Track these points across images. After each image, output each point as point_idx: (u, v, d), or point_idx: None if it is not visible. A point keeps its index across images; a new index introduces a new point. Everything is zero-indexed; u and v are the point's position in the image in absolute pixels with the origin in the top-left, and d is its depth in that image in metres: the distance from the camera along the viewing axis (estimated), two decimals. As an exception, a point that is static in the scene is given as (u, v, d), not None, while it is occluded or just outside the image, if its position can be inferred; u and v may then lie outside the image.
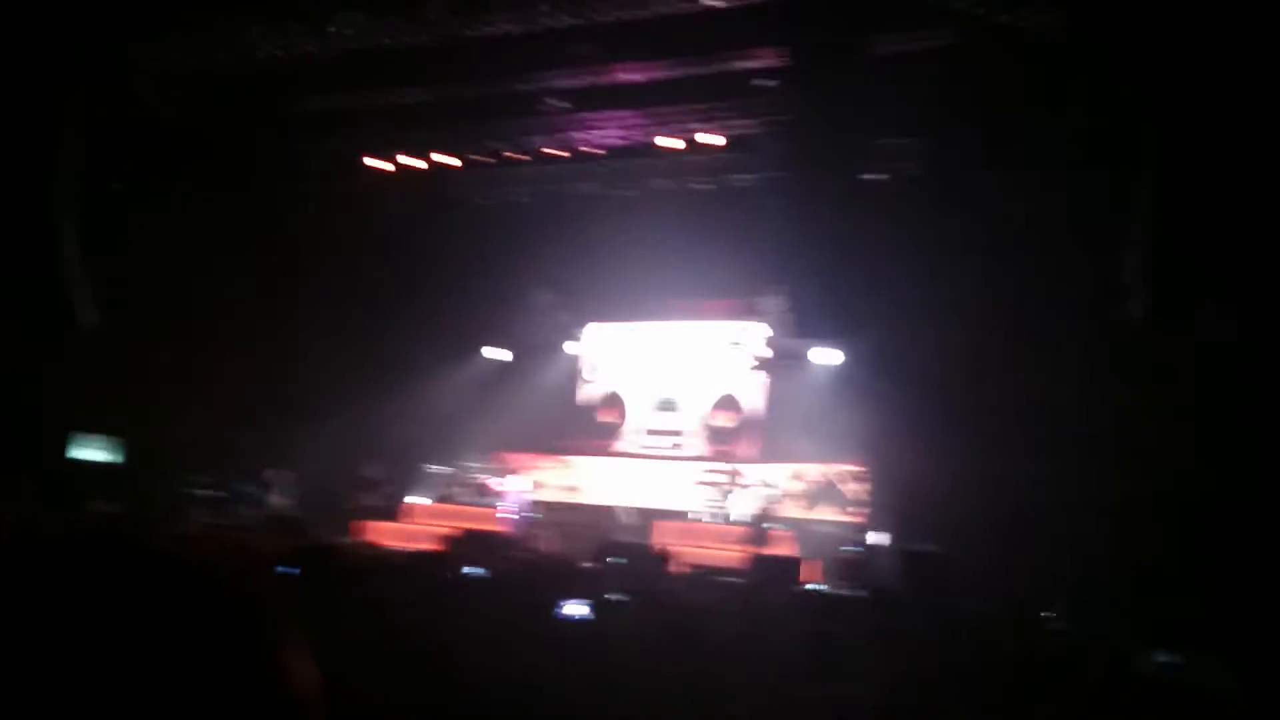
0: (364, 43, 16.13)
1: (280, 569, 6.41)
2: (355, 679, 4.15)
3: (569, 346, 22.51)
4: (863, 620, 7.11)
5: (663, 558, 11.87)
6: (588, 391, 22.67)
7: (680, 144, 18.62)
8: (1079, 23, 13.69)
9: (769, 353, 20.36)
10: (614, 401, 22.41)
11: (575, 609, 5.06)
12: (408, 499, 19.70)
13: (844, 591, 12.71)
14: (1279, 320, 12.31)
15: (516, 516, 18.22)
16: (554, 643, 4.67)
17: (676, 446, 21.55)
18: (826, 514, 19.04)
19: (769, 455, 20.24)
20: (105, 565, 1.06)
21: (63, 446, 19.08)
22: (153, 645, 1.00)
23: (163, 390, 18.13)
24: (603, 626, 5.10)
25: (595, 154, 19.47)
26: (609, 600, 5.87)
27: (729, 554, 16.17)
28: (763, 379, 20.81)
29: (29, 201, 16.04)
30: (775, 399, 20.62)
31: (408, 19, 15.74)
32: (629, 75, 17.20)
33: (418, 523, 18.88)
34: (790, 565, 14.85)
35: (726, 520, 18.42)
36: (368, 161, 20.39)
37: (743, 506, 18.29)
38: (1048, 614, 9.00)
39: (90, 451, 19.66)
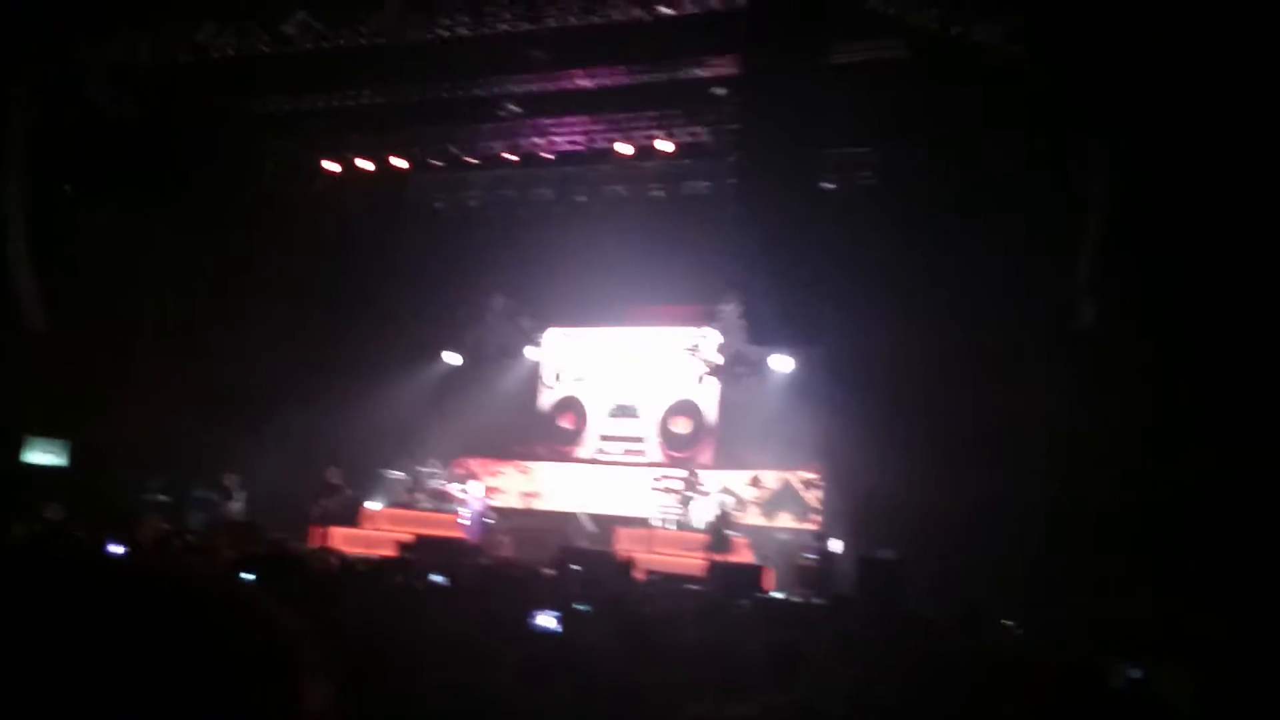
0: (319, 44, 16.03)
1: (240, 575, 6.40)
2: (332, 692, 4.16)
3: (528, 352, 22.49)
4: (822, 627, 7.21)
5: (625, 565, 11.93)
6: (546, 397, 22.66)
7: (634, 150, 18.68)
8: (1032, 35, 13.92)
9: (725, 359, 20.49)
10: (573, 407, 22.43)
11: (545, 621, 5.09)
12: (367, 504, 19.57)
13: (803, 599, 12.86)
14: (1232, 329, 12.59)
15: (476, 522, 18.17)
16: (521, 653, 4.70)
17: (635, 452, 21.61)
18: (784, 521, 19.19)
19: (726, 461, 20.37)
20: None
21: (11, 450, 18.76)
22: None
23: (114, 393, 17.90)
24: (569, 637, 5.13)
25: (550, 159, 19.48)
26: (574, 609, 5.90)
27: (690, 561, 16.25)
28: (719, 385, 20.93)
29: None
30: (731, 405, 20.75)
31: (362, 21, 15.68)
32: (583, 81, 17.26)
33: (378, 528, 18.76)
34: (751, 573, 14.96)
35: (687, 527, 18.48)
36: (322, 163, 20.25)
37: (702, 513, 18.37)
38: (1003, 619, 9.14)
39: (40, 456, 19.35)
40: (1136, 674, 5.24)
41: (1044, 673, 5.74)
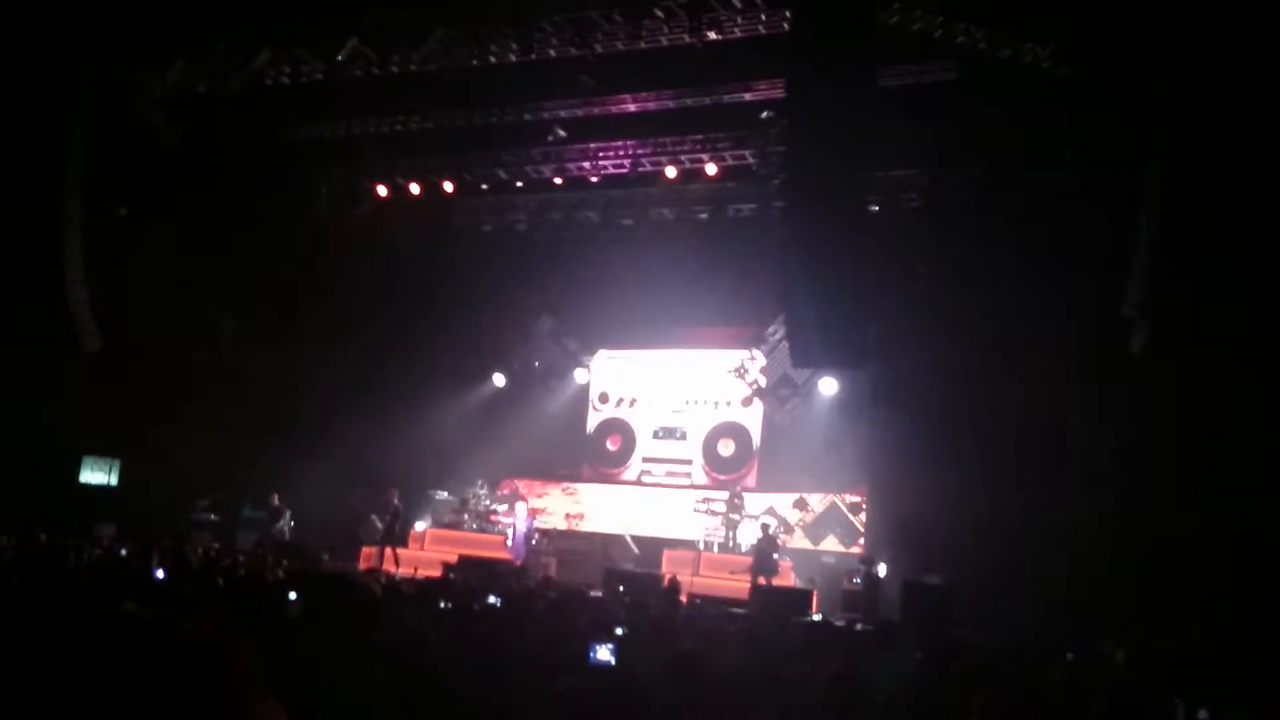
0: (369, 71, 16.28)
1: (290, 595, 6.46)
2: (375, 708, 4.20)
3: (575, 374, 22.58)
4: (870, 654, 7.15)
5: (670, 588, 11.89)
6: (592, 419, 22.72)
7: (680, 173, 18.74)
8: (1079, 58, 13.84)
9: (770, 381, 20.45)
10: (619, 429, 22.46)
11: (602, 654, 5.08)
12: (415, 525, 19.70)
13: (849, 623, 12.75)
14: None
15: (521, 544, 18.22)
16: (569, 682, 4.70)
17: (680, 474, 21.59)
18: (830, 544, 19.08)
19: (771, 484, 20.30)
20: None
21: (67, 471, 19.13)
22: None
23: (167, 415, 18.17)
24: (624, 670, 5.12)
25: (596, 182, 19.59)
26: (630, 640, 5.90)
27: (735, 584, 16.19)
28: (764, 407, 20.89)
29: (34, 225, 16.08)
30: (776, 428, 20.69)
31: (413, 48, 15.90)
32: (629, 105, 17.39)
33: (424, 549, 18.86)
34: (798, 597, 14.86)
35: (731, 549, 18.42)
36: (373, 188, 20.51)
37: (747, 536, 18.30)
38: (1054, 648, 9.01)
39: (93, 475, 19.71)
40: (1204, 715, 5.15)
41: (1099, 706, 5.66)
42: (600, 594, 11.99)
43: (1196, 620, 10.87)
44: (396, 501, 18.61)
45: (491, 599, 7.93)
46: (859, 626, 12.15)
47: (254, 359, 19.40)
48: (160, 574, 8.90)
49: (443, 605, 7.64)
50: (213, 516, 18.93)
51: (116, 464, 19.92)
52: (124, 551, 12.38)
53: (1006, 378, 15.02)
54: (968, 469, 15.14)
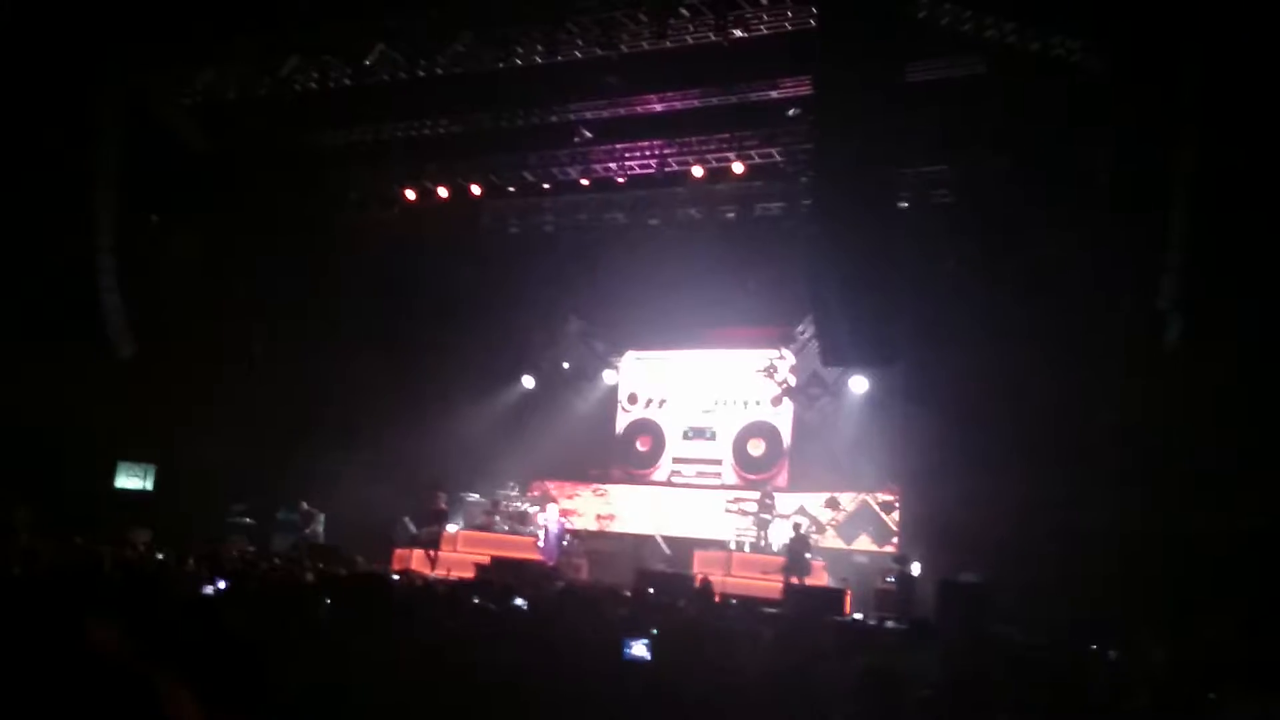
0: (396, 75, 16.33)
1: (324, 597, 6.48)
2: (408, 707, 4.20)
3: (606, 375, 22.57)
4: (905, 652, 7.09)
5: (702, 588, 11.85)
6: (622, 420, 22.72)
7: (706, 173, 18.69)
8: (1109, 50, 13.69)
9: (800, 380, 20.38)
10: (648, 429, 22.45)
11: (638, 650, 5.07)
12: (448, 528, 19.80)
13: (884, 623, 12.67)
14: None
15: (553, 545, 18.23)
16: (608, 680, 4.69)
17: (711, 475, 21.55)
18: (862, 543, 18.98)
19: (802, 483, 20.23)
20: None
21: (102, 477, 19.31)
22: None
23: (200, 420, 18.31)
24: (659, 665, 5.11)
25: (623, 183, 19.56)
26: (664, 637, 5.88)
27: (768, 584, 16.13)
28: (794, 407, 20.81)
29: (67, 232, 16.26)
30: (807, 427, 20.62)
31: (439, 52, 15.93)
32: (656, 105, 17.35)
33: (456, 550, 18.91)
34: (831, 596, 14.79)
35: (763, 549, 18.36)
36: (401, 191, 20.58)
37: (778, 535, 18.24)
38: (1094, 644, 8.91)
39: (128, 480, 19.89)
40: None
41: (1141, 704, 5.59)
42: (632, 594, 11.95)
43: (1235, 617, 10.72)
44: (443, 505, 18.77)
45: (518, 601, 7.91)
46: (893, 625, 12.07)
47: (285, 363, 19.51)
48: (221, 584, 8.86)
49: (476, 603, 7.64)
50: (248, 520, 19.05)
51: (152, 469, 20.08)
52: (160, 556, 12.46)
53: (1040, 373, 14.89)
54: (1002, 466, 15.00)
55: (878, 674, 4.71)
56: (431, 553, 18.27)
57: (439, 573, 16.86)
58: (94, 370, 16.95)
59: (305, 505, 18.91)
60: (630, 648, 5.08)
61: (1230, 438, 12.94)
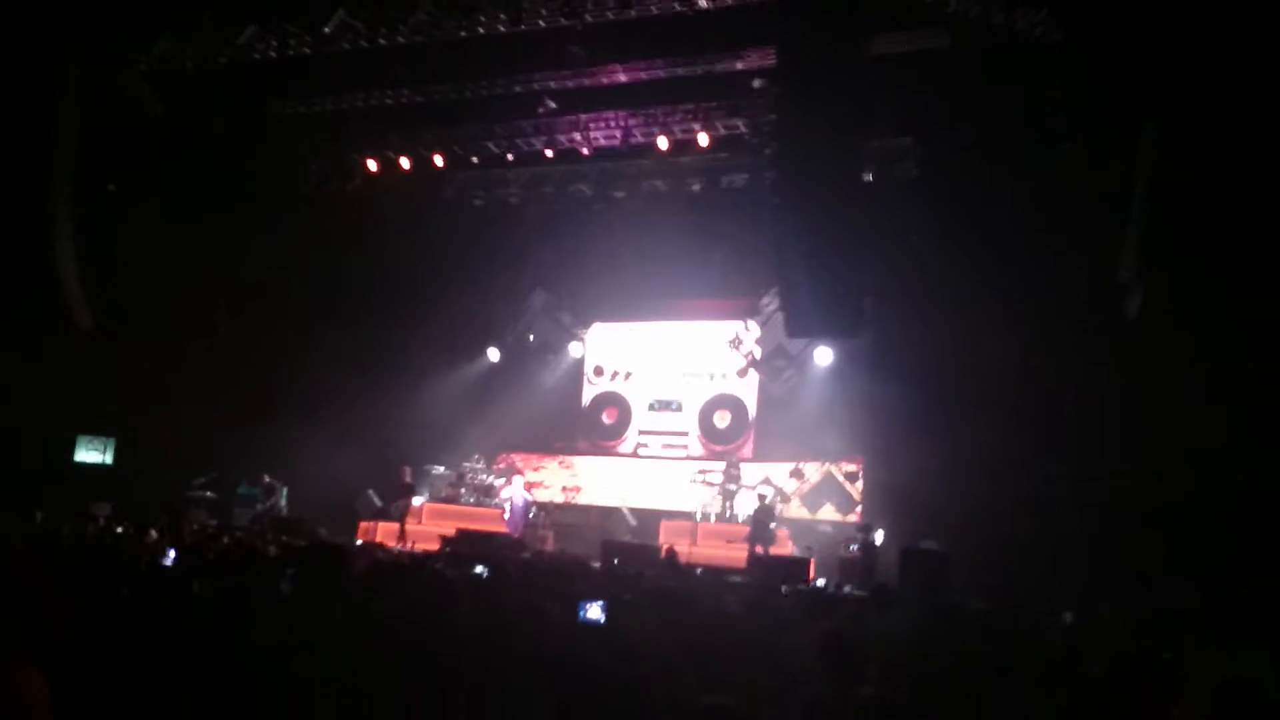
0: (357, 43, 16.13)
1: (286, 570, 6.45)
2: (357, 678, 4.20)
3: (572, 348, 22.55)
4: (865, 618, 7.16)
5: (668, 558, 11.90)
6: (588, 392, 22.71)
7: (671, 144, 18.64)
8: (1073, 24, 13.75)
9: (765, 352, 20.45)
10: (614, 401, 22.46)
11: (593, 612, 5.09)
12: (413, 500, 19.74)
13: (846, 590, 12.78)
14: (1274, 316, 12.36)
15: (518, 517, 18.23)
16: (567, 645, 4.71)
17: (677, 446, 21.61)
18: (827, 513, 19.11)
19: (767, 454, 20.32)
20: None
21: (62, 451, 19.10)
22: None
23: (159, 393, 18.14)
24: (615, 628, 5.13)
25: (588, 155, 19.47)
26: (621, 600, 5.89)
27: (733, 553, 16.22)
28: (759, 378, 20.89)
29: (23, 204, 16.00)
30: (772, 398, 20.71)
31: (401, 20, 15.76)
32: (620, 76, 17.24)
33: (421, 523, 18.90)
34: (795, 565, 14.89)
35: (729, 519, 18.45)
36: (363, 162, 20.39)
37: (744, 506, 18.34)
38: (1052, 609, 9.04)
39: (88, 454, 19.68)
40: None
41: (1099, 666, 5.67)
42: (599, 565, 11.99)
43: (1196, 576, 10.90)
44: (409, 480, 18.76)
45: (479, 569, 7.91)
46: (856, 592, 12.17)
47: (247, 336, 19.34)
48: (172, 555, 8.84)
49: (438, 573, 7.63)
50: (209, 494, 18.92)
51: (112, 443, 19.88)
52: (119, 530, 12.35)
53: (1002, 344, 15.01)
54: (964, 436, 15.16)
55: (835, 636, 4.76)
56: (399, 526, 18.27)
57: (405, 545, 16.85)
58: (51, 342, 16.73)
59: (267, 478, 18.81)
60: (586, 610, 5.09)
61: (1186, 403, 13.11)
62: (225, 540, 11.53)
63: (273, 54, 16.49)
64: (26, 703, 1.22)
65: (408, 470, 19.07)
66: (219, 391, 18.79)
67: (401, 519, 18.47)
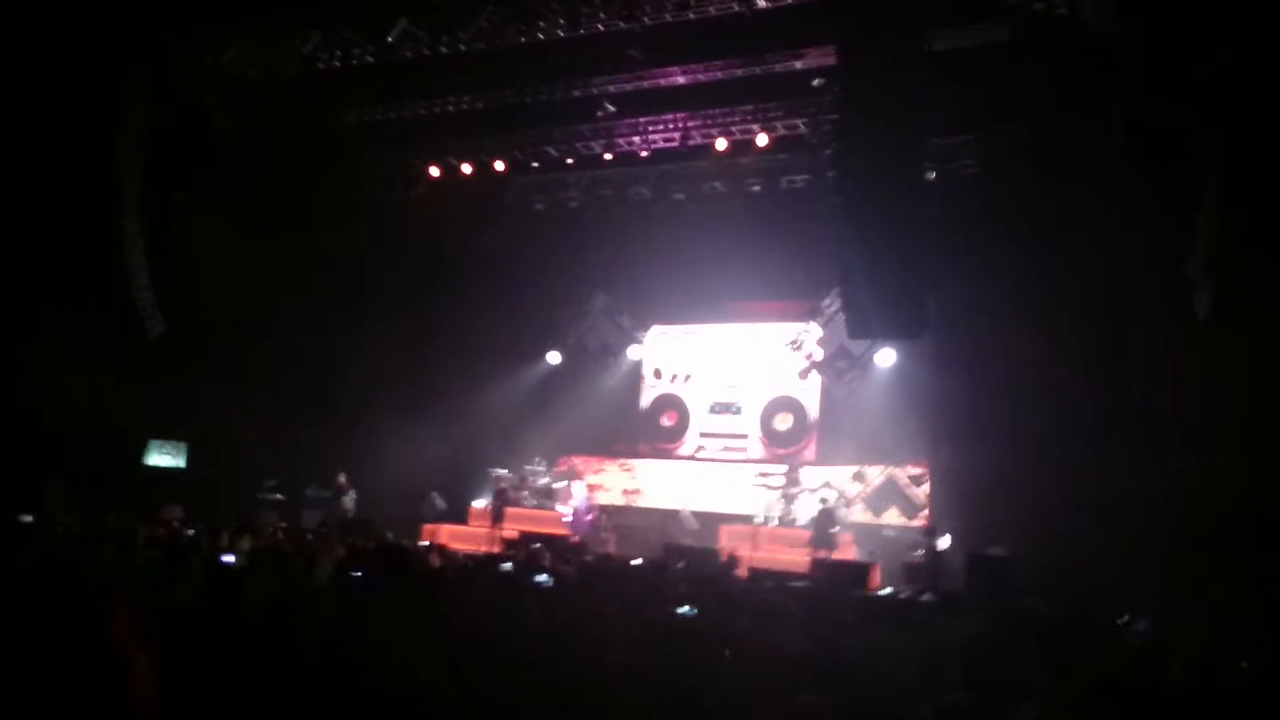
0: (420, 52, 16.29)
1: (354, 572, 6.52)
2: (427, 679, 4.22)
3: (630, 350, 22.58)
4: (931, 624, 7.06)
5: (729, 562, 11.85)
6: (648, 395, 22.73)
7: (730, 145, 18.58)
8: (1137, 17, 13.47)
9: (826, 353, 20.29)
10: (674, 404, 22.45)
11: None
12: (475, 503, 19.86)
13: (912, 596, 12.63)
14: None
15: (580, 520, 18.28)
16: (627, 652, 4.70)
17: (737, 449, 21.54)
18: (891, 517, 18.93)
19: (829, 457, 20.17)
20: None
21: (135, 455, 19.51)
22: None
23: (230, 396, 18.45)
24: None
25: (646, 157, 19.47)
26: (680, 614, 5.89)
27: (795, 558, 16.12)
28: (821, 380, 20.74)
29: (93, 211, 16.37)
30: (834, 400, 20.54)
31: (462, 28, 15.88)
32: (679, 78, 17.22)
33: (484, 526, 19.01)
34: (857, 570, 14.76)
35: (790, 523, 18.34)
36: (425, 168, 20.59)
37: (806, 510, 18.22)
38: (1122, 618, 8.86)
39: (160, 458, 20.09)
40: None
41: (1173, 676, 5.54)
42: (659, 569, 11.96)
43: (1266, 586, 10.63)
44: (504, 485, 18.97)
45: (542, 578, 7.92)
46: (922, 598, 12.03)
47: (314, 340, 19.61)
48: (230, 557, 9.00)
49: (503, 574, 7.67)
50: (279, 496, 19.22)
51: (184, 447, 20.28)
52: (191, 532, 12.57)
53: (1068, 345, 14.77)
54: (1032, 439, 14.92)
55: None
56: (496, 528, 18.30)
57: (465, 548, 16.98)
58: (125, 349, 17.09)
59: (342, 479, 18.99)
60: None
61: (1260, 405, 12.80)
62: (294, 542, 11.68)
63: (336, 63, 16.70)
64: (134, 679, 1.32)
65: (504, 476, 19.32)
66: (287, 395, 19.07)
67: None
